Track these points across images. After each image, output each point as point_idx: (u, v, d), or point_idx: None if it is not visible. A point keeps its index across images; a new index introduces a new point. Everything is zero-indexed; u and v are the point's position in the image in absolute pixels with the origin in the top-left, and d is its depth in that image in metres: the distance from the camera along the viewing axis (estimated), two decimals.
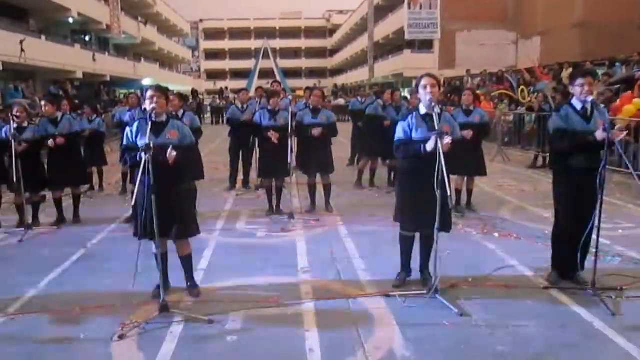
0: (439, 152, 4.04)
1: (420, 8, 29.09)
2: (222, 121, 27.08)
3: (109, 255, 5.75)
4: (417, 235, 4.65)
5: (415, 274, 4.72)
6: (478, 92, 15.12)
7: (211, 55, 67.73)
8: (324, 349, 3.57)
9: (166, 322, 3.91)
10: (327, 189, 7.52)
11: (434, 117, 4.20)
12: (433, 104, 4.30)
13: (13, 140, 6.37)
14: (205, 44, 68.02)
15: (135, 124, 4.28)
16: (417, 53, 32.78)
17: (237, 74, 61.88)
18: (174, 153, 4.02)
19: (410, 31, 29.35)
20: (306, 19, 67.49)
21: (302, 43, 67.60)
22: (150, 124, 4.03)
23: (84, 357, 3.54)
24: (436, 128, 4.13)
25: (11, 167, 6.43)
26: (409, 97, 11.61)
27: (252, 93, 12.88)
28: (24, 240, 6.37)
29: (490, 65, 23.90)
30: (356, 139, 11.18)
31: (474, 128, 6.90)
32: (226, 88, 39.22)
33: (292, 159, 6.78)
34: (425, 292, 4.36)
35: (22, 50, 19.72)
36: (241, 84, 53.17)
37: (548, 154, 9.30)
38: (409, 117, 4.49)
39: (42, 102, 7.18)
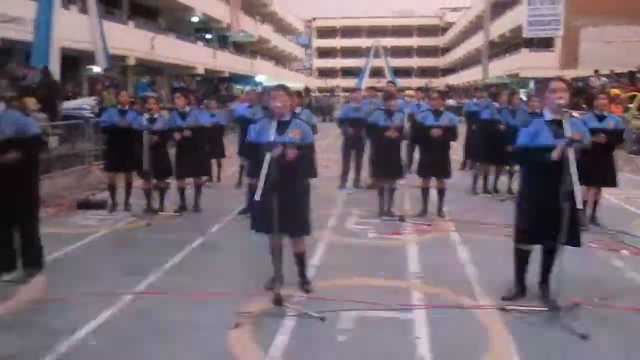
0: (569, 161, 3.78)
1: (542, 4, 27.49)
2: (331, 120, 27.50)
3: (226, 245, 6.04)
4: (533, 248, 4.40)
5: (533, 289, 4.46)
6: (615, 92, 13.91)
7: (323, 53, 68.87)
8: (436, 358, 3.48)
9: (279, 316, 4.02)
10: (442, 194, 7.34)
11: (564, 123, 3.95)
12: (564, 110, 4.04)
13: (146, 131, 6.90)
14: (318, 42, 69.28)
15: (260, 122, 4.43)
16: (536, 52, 31.09)
17: (348, 73, 62.38)
18: (295, 151, 4.12)
19: (530, 28, 27.86)
20: (419, 17, 66.51)
21: (414, 42, 66.69)
22: (275, 122, 4.16)
23: (202, 341, 3.72)
24: (565, 135, 3.88)
25: (142, 155, 6.97)
26: (524, 99, 10.94)
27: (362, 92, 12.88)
28: (150, 224, 6.86)
29: (618, 64, 21.91)
30: (470, 143, 10.82)
31: (608, 135, 6.40)
32: (337, 86, 39.64)
33: (406, 160, 6.69)
34: (545, 309, 4.11)
35: (153, 47, 21.29)
36: (352, 82, 53.64)
37: None
38: (532, 123, 4.25)
39: (175, 96, 7.66)
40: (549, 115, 4.21)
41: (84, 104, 11.85)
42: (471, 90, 28.96)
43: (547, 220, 4.09)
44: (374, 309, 4.18)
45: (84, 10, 15.69)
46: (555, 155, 3.92)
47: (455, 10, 59.48)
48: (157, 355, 3.55)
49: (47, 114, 10.11)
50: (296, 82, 45.16)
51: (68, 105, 11.88)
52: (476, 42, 41.62)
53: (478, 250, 5.80)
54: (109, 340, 3.70)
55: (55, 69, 12.29)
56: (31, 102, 9.68)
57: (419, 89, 12.20)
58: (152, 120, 7.17)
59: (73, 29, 14.20)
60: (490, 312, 4.18)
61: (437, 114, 7.10)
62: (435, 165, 7.10)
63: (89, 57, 16.48)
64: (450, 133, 7.05)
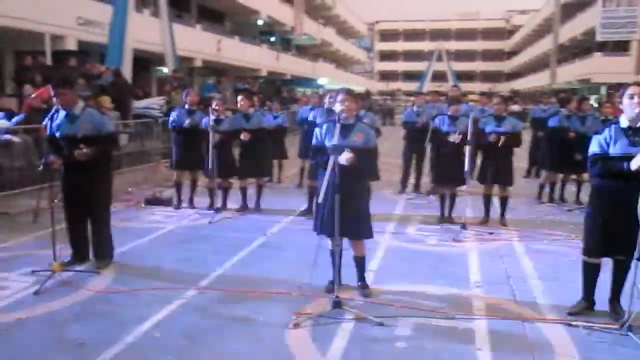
0: None
1: (617, 5, 26.23)
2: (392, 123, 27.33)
3: (286, 245, 6.11)
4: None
5: (601, 304, 4.27)
6: None
7: (385, 56, 68.61)
8: None
9: (338, 318, 4.03)
10: (504, 201, 7.14)
11: None
12: None
13: (211, 131, 7.09)
14: (380, 45, 69.08)
15: (325, 125, 4.46)
16: (610, 56, 29.67)
17: (410, 76, 61.84)
18: (351, 155, 4.11)
19: (604, 31, 26.68)
20: (484, 20, 65.00)
21: (478, 45, 65.31)
22: (338, 126, 4.18)
23: (262, 339, 3.78)
24: None
25: (207, 154, 7.17)
26: (595, 105, 10.45)
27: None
28: (213, 222, 7.04)
29: None
30: (535, 150, 10.48)
31: None
32: (398, 89, 39.37)
33: (468, 166, 6.56)
34: (616, 327, 3.92)
35: (219, 49, 21.87)
36: (413, 85, 53.13)
37: None
38: (607, 130, 4.06)
39: (239, 97, 7.83)
40: (624, 122, 4.02)
41: (153, 104, 12.32)
42: (537, 96, 27.97)
43: (620, 233, 3.90)
44: (433, 317, 4.12)
45: (155, 14, 16.33)
46: (635, 164, 3.73)
47: (523, 12, 57.77)
48: (220, 349, 3.64)
49: (118, 112, 10.60)
50: (357, 84, 45.14)
51: (138, 104, 12.39)
52: (544, 45, 40.25)
53: (543, 261, 5.61)
54: (173, 333, 3.82)
55: (126, 69, 12.87)
56: (106, 101, 10.19)
57: (482, 94, 11.90)
58: (217, 121, 7.37)
59: (144, 32, 14.83)
60: (555, 327, 4.02)
61: (499, 119, 6.93)
62: (498, 172, 6.92)
63: (158, 59, 17.17)
64: (513, 139, 6.85)
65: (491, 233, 6.67)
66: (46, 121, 5.04)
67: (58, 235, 4.81)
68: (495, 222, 7.14)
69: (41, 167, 4.90)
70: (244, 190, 7.81)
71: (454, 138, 6.70)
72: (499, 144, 6.72)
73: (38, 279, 4.70)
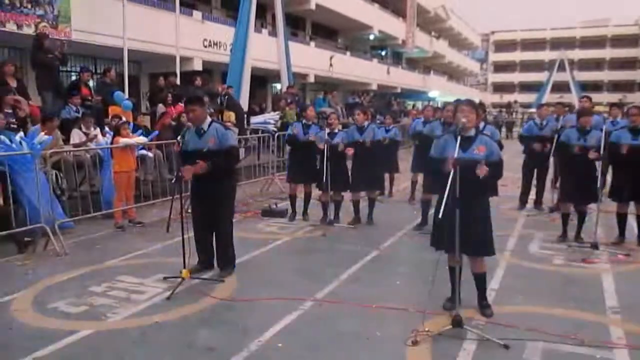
0: None
1: None
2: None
3: (400, 259, 6.02)
4: None
5: None
6: None
7: (500, 67, 66.11)
8: None
9: (459, 337, 3.87)
10: None
11: None
12: None
13: (326, 144, 7.21)
14: (495, 56, 66.73)
15: (444, 137, 4.35)
16: None
17: (527, 87, 59.07)
18: (486, 168, 3.97)
19: None
20: (614, 26, 60.35)
21: (607, 53, 60.65)
22: (458, 138, 4.06)
23: (380, 353, 3.73)
24: None
25: (322, 167, 7.29)
26: None
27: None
28: (326, 235, 7.13)
29: None
30: None
31: None
32: (515, 102, 37.71)
33: (601, 182, 6.06)
34: None
35: (331, 64, 22.32)
36: (529, 97, 50.59)
37: None
38: None
39: (356, 111, 7.90)
40: None
41: (269, 119, 12.81)
42: None
43: None
44: (564, 342, 3.82)
45: (273, 33, 17.06)
46: None
47: None
48: None
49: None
50: (469, 96, 43.83)
51: (255, 120, 12.97)
52: None
53: None
54: (294, 343, 3.88)
55: (245, 87, 13.55)
56: (231, 116, 10.82)
57: (612, 105, 11.00)
58: (332, 134, 7.49)
59: (262, 51, 15.53)
60: None
61: (636, 131, 6.33)
62: (635, 189, 6.31)
63: (274, 75, 17.88)
64: None
65: (627, 255, 6.10)
66: (179, 138, 5.41)
67: (186, 244, 5.09)
68: (631, 243, 6.53)
69: (174, 180, 5.26)
70: (356, 204, 7.83)
71: (593, 155, 6.23)
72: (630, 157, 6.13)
73: (169, 285, 5.02)
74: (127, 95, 10.47)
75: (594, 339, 3.89)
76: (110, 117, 9.43)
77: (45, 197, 6.39)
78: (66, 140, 8.16)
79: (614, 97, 43.40)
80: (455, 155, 3.93)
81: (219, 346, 3.83)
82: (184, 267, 5.01)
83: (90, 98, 9.99)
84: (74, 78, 11.94)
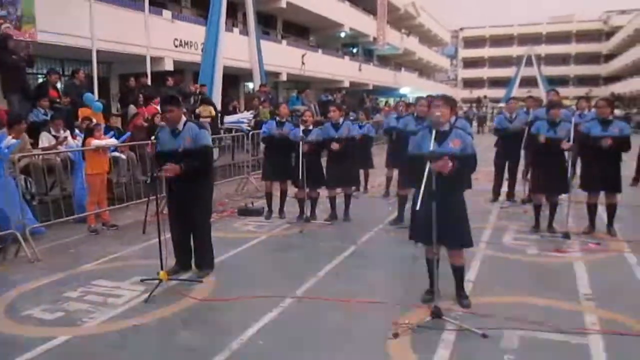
0: None
1: None
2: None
3: (378, 254, 6.06)
4: None
5: None
6: None
7: (469, 63, 66.96)
8: None
9: (439, 329, 3.92)
10: (612, 210, 6.68)
11: None
12: None
13: (300, 142, 7.21)
14: (464, 52, 67.57)
15: (420, 134, 4.39)
16: None
17: (496, 82, 59.98)
18: (450, 163, 4.01)
19: None
20: (579, 22, 61.68)
21: (572, 48, 61.95)
22: (433, 133, 4.10)
23: (362, 349, 3.75)
24: None
25: (297, 165, 7.28)
26: None
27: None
28: (304, 232, 7.13)
29: None
30: None
31: None
32: (484, 97, 38.27)
33: (571, 173, 6.20)
34: None
35: (303, 63, 22.31)
36: (499, 92, 51.37)
37: None
38: None
39: (331, 108, 7.91)
40: None
41: (243, 118, 12.75)
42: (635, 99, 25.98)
43: None
44: (540, 330, 3.90)
45: (244, 32, 16.96)
46: None
47: (623, 12, 54.31)
48: (322, 358, 3.65)
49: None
50: (439, 92, 44.23)
51: (229, 119, 12.89)
52: None
53: None
54: (275, 341, 3.87)
55: (217, 86, 13.45)
56: (212, 111, 10.67)
57: (580, 98, 11.25)
58: (306, 132, 7.49)
59: (234, 50, 15.42)
60: None
61: (605, 123, 6.49)
62: (605, 179, 6.47)
63: (246, 74, 17.78)
64: (621, 143, 6.39)
65: (598, 243, 6.26)
66: (153, 138, 5.34)
67: (163, 246, 5.02)
68: (601, 232, 6.70)
69: (149, 180, 5.19)
70: (332, 200, 7.86)
71: (567, 146, 6.34)
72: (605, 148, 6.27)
73: (147, 287, 4.95)
74: (97, 97, 10.28)
75: (569, 325, 3.98)
76: (80, 119, 9.25)
77: (14, 202, 6.25)
78: (35, 144, 7.98)
79: (580, 91, 44.25)
80: (431, 148, 3.97)
81: (200, 346, 3.80)
82: (162, 269, 4.95)
83: (58, 100, 9.79)
84: (41, 80, 11.66)
